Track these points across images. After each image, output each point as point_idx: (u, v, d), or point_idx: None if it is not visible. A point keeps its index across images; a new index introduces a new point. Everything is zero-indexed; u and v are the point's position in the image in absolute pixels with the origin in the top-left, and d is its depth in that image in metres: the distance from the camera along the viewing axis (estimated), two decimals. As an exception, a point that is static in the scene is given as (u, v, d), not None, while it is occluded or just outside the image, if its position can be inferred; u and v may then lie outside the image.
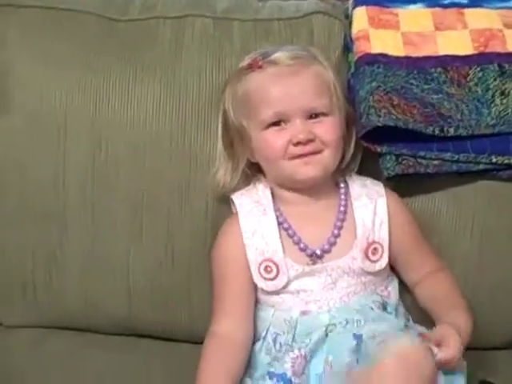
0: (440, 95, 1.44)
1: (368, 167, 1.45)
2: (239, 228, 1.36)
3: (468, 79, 1.46)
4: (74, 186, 1.48)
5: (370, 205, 1.38)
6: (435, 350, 1.24)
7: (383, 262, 1.37)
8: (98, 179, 1.47)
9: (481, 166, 1.44)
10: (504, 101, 1.44)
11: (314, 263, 1.35)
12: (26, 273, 1.53)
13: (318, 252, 1.35)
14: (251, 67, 1.38)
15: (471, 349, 1.44)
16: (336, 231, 1.36)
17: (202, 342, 1.36)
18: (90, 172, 1.47)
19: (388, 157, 1.43)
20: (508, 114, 1.44)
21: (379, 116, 1.40)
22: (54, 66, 1.47)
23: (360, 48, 1.48)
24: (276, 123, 1.34)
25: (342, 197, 1.40)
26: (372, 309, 1.33)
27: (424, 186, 1.47)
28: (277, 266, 1.33)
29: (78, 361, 1.49)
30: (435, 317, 1.38)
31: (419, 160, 1.44)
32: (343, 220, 1.38)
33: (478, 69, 1.46)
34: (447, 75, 1.46)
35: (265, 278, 1.34)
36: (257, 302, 1.38)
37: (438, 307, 1.39)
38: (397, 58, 1.47)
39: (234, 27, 1.51)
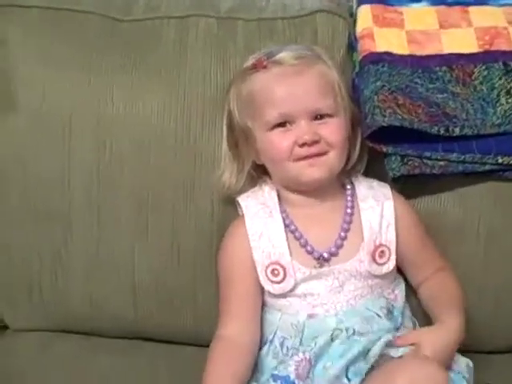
0: (445, 94, 1.44)
1: (374, 169, 1.45)
2: (245, 230, 1.36)
3: (473, 78, 1.45)
4: (78, 185, 1.47)
5: (377, 207, 1.37)
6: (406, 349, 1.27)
7: (390, 264, 1.36)
8: (103, 178, 1.47)
9: (487, 167, 1.43)
10: (509, 100, 1.44)
11: (321, 266, 1.34)
12: (32, 274, 1.52)
13: (326, 255, 1.34)
14: (256, 67, 1.37)
15: (476, 352, 1.45)
16: (343, 234, 1.36)
17: (207, 345, 1.35)
18: (94, 171, 1.47)
19: (393, 157, 1.42)
20: (514, 113, 1.43)
21: (384, 116, 1.39)
22: (58, 66, 1.47)
23: (364, 47, 1.47)
24: (281, 124, 1.33)
25: (349, 198, 1.39)
26: (379, 316, 1.33)
27: (430, 187, 1.46)
28: (284, 269, 1.33)
29: (83, 364, 1.49)
30: (431, 316, 1.39)
31: (425, 161, 1.43)
32: (350, 222, 1.37)
33: (483, 67, 1.46)
34: (452, 74, 1.45)
35: (272, 281, 1.33)
36: (264, 305, 1.37)
37: (434, 306, 1.39)
38: (401, 56, 1.47)
39: (238, 27, 1.50)
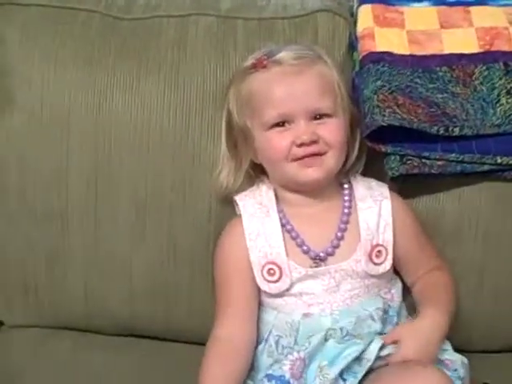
0: (445, 94, 1.44)
1: (373, 168, 1.45)
2: (242, 230, 1.36)
3: (473, 78, 1.45)
4: (76, 184, 1.48)
5: (375, 207, 1.37)
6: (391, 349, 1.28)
7: (387, 264, 1.36)
8: (101, 178, 1.47)
9: (486, 167, 1.43)
10: (510, 100, 1.44)
11: (318, 266, 1.34)
12: (28, 272, 1.53)
13: (322, 255, 1.34)
14: (255, 67, 1.37)
15: (473, 351, 1.45)
16: (340, 234, 1.36)
17: (202, 343, 1.36)
18: (92, 170, 1.47)
19: (393, 157, 1.42)
20: (514, 113, 1.43)
21: (384, 116, 1.39)
22: (57, 65, 1.47)
23: (365, 46, 1.47)
24: (280, 124, 1.33)
25: (346, 198, 1.39)
26: (373, 319, 1.33)
27: (428, 187, 1.46)
28: (280, 269, 1.33)
29: (79, 361, 1.50)
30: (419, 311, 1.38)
31: (424, 160, 1.43)
32: (347, 222, 1.37)
33: (484, 67, 1.46)
34: (452, 74, 1.45)
35: (268, 281, 1.34)
36: (260, 304, 1.37)
37: (422, 303, 1.39)
38: (402, 56, 1.47)
39: (238, 26, 1.50)
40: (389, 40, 1.48)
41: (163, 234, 1.48)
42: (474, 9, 1.52)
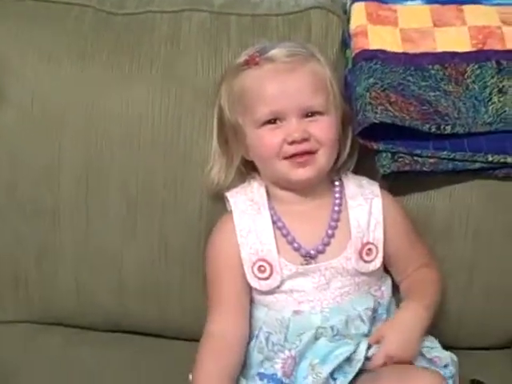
0: (437, 92, 1.44)
1: (364, 166, 1.45)
2: (234, 226, 1.36)
3: (465, 76, 1.46)
4: (67, 180, 1.47)
5: (366, 205, 1.37)
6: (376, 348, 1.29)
7: (377, 262, 1.37)
8: (92, 174, 1.47)
9: (477, 165, 1.44)
10: (501, 98, 1.44)
11: (308, 263, 1.34)
12: (19, 268, 1.53)
13: (312, 252, 1.34)
14: (248, 63, 1.37)
15: (463, 348, 1.46)
16: (330, 231, 1.36)
17: (194, 339, 1.36)
18: (84, 167, 1.47)
19: (384, 154, 1.43)
20: (505, 111, 1.44)
21: (376, 113, 1.39)
22: (50, 60, 1.47)
23: (358, 44, 1.48)
24: (271, 121, 1.33)
25: (337, 195, 1.39)
26: (362, 320, 1.33)
27: (420, 184, 1.47)
28: (270, 266, 1.33)
29: (69, 357, 1.50)
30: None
31: (415, 158, 1.43)
32: (337, 220, 1.37)
33: (476, 66, 1.46)
34: (445, 72, 1.46)
35: (258, 278, 1.34)
36: (251, 301, 1.37)
37: (407, 298, 1.40)
38: (395, 54, 1.47)
39: (231, 22, 1.50)
40: (382, 38, 1.48)
41: (154, 231, 1.48)
42: (467, 7, 1.52)
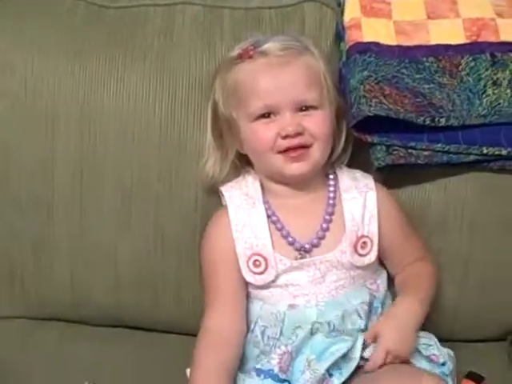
0: (431, 85, 1.44)
1: (359, 159, 1.45)
2: (229, 221, 1.36)
3: (460, 69, 1.46)
4: (61, 173, 1.47)
5: (360, 198, 1.37)
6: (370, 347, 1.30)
7: (372, 255, 1.37)
8: (87, 167, 1.47)
9: (471, 157, 1.44)
10: (496, 91, 1.44)
11: (303, 257, 1.34)
12: (14, 262, 1.52)
13: (307, 246, 1.34)
14: (241, 57, 1.36)
15: (459, 341, 1.46)
16: (325, 225, 1.36)
17: (189, 334, 1.37)
18: (78, 159, 1.46)
19: (379, 147, 1.43)
20: (500, 104, 1.44)
21: (370, 106, 1.39)
22: (42, 53, 1.46)
23: (352, 37, 1.47)
24: (265, 115, 1.33)
25: (331, 189, 1.39)
26: (359, 316, 1.34)
27: (414, 177, 1.47)
28: (265, 260, 1.33)
29: (66, 352, 1.49)
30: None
31: (410, 150, 1.43)
32: (332, 213, 1.37)
33: (470, 58, 1.46)
34: (439, 65, 1.46)
35: (253, 272, 1.34)
36: (247, 295, 1.37)
37: (401, 292, 1.40)
38: (389, 46, 1.47)
39: (224, 15, 1.49)
40: (376, 30, 1.48)
41: (149, 224, 1.47)
42: (460, 0, 1.52)
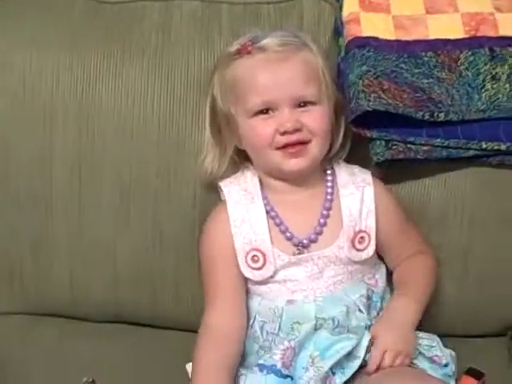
0: (430, 80, 1.44)
1: (357, 155, 1.44)
2: (227, 216, 1.36)
3: (459, 63, 1.45)
4: (60, 170, 1.47)
5: (357, 193, 1.37)
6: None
7: (370, 250, 1.36)
8: (85, 163, 1.47)
9: (471, 152, 1.43)
10: (495, 85, 1.44)
11: (301, 253, 1.34)
12: (13, 259, 1.52)
13: (305, 241, 1.34)
14: (240, 53, 1.36)
15: (459, 336, 1.46)
16: (322, 220, 1.36)
17: (189, 330, 1.37)
18: (76, 156, 1.46)
19: (378, 142, 1.42)
20: (499, 98, 1.43)
21: (369, 101, 1.39)
22: (40, 48, 1.46)
23: (350, 31, 1.47)
24: (263, 111, 1.33)
25: (329, 184, 1.39)
26: (360, 310, 1.34)
27: (414, 172, 1.46)
28: (264, 256, 1.33)
29: (65, 348, 1.49)
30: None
31: (409, 145, 1.43)
32: (329, 209, 1.37)
33: (469, 53, 1.46)
34: (438, 59, 1.45)
35: (252, 268, 1.34)
36: (246, 291, 1.37)
37: (398, 288, 1.40)
38: (387, 41, 1.46)
39: (222, 10, 1.49)
40: (374, 25, 1.47)
41: (148, 221, 1.47)
42: (459, -6, 1.52)
